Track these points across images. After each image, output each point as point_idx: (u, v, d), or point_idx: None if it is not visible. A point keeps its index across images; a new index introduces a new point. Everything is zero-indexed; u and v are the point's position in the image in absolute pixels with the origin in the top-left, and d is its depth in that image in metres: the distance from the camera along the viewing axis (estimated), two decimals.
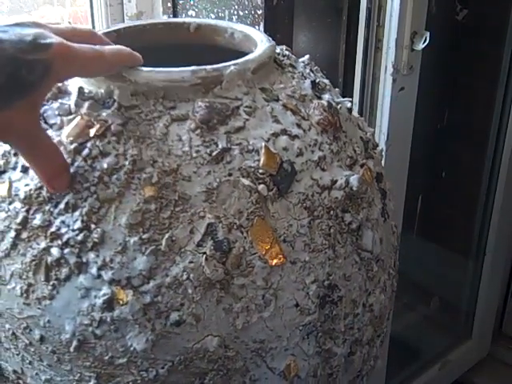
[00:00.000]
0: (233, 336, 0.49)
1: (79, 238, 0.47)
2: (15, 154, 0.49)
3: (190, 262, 0.47)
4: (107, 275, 0.46)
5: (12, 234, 0.49)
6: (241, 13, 0.86)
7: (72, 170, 0.47)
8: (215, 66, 0.50)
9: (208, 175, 0.48)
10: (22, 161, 0.49)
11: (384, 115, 0.96)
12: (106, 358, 0.49)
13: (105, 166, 0.47)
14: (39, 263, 0.48)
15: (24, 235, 0.48)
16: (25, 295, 0.49)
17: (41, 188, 0.48)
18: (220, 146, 0.48)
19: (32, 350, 0.51)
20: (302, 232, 0.50)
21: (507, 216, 1.31)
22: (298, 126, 0.52)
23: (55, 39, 0.42)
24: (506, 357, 1.45)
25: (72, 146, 0.48)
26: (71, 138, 0.48)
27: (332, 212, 0.51)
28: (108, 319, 0.47)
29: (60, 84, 0.51)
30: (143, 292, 0.47)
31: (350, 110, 0.57)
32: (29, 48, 0.41)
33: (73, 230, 0.47)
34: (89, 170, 0.47)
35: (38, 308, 0.49)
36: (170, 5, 0.94)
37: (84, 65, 0.45)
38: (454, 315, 1.44)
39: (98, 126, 0.48)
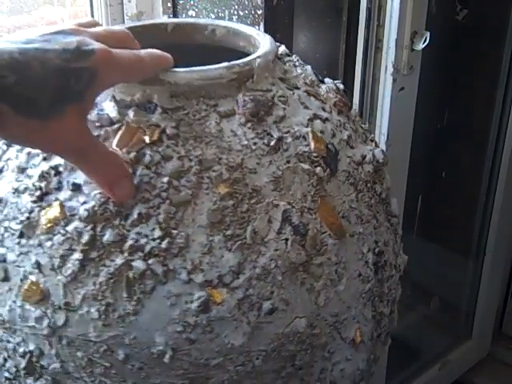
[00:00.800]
0: (315, 314, 0.51)
1: (163, 245, 0.46)
2: (56, 174, 0.48)
3: (275, 250, 0.48)
4: (198, 278, 0.46)
5: (77, 255, 0.46)
6: (241, 13, 0.86)
7: (136, 180, 0.46)
8: (244, 60, 0.51)
9: (270, 165, 0.49)
10: (67, 178, 0.47)
11: (384, 115, 0.96)
12: (202, 361, 0.48)
13: (170, 170, 0.47)
14: (118, 280, 0.46)
15: (93, 254, 0.46)
16: (103, 316, 0.46)
17: (105, 203, 0.46)
18: (275, 136, 0.50)
19: (113, 372, 0.48)
20: (353, 206, 0.53)
21: (507, 216, 1.31)
22: (323, 109, 0.55)
23: (97, 45, 0.42)
24: (506, 357, 1.45)
25: (131, 155, 0.47)
26: (126, 148, 0.47)
27: (368, 184, 0.56)
28: (204, 321, 0.47)
29: None
30: (235, 288, 0.47)
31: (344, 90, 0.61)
32: (73, 56, 0.41)
33: (153, 240, 0.46)
34: (154, 177, 0.46)
35: (122, 327, 0.47)
36: (169, 5, 0.94)
37: (126, 70, 0.45)
38: (454, 315, 1.44)
39: (151, 131, 0.47)
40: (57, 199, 0.47)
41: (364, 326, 0.55)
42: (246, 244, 0.47)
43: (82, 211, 0.46)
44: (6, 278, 0.48)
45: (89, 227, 0.46)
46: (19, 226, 0.47)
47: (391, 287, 0.59)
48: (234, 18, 0.87)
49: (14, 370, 0.51)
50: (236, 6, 0.86)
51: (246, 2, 0.84)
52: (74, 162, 0.45)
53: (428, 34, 0.91)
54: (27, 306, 0.48)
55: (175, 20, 0.61)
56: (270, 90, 0.52)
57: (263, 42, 0.55)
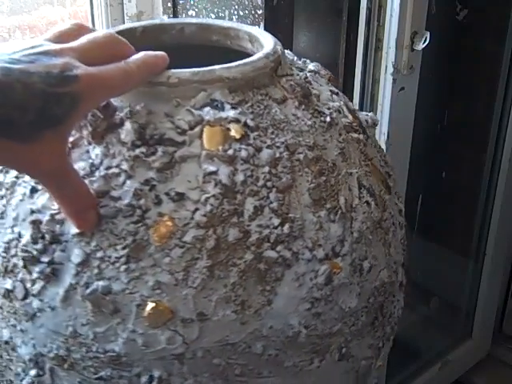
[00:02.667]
0: (389, 264, 0.56)
1: (285, 231, 0.47)
2: (150, 189, 0.46)
3: (363, 213, 0.52)
4: (319, 254, 0.48)
5: (203, 263, 0.45)
6: (241, 13, 0.86)
7: (242, 177, 0.47)
8: (270, 49, 0.53)
9: (332, 139, 0.53)
10: (164, 190, 0.46)
11: (384, 115, 0.96)
12: (326, 331, 0.50)
13: (266, 159, 0.48)
14: (250, 275, 0.46)
15: (221, 257, 0.46)
16: (240, 316, 0.46)
17: (221, 204, 0.46)
18: (327, 113, 0.53)
19: (250, 368, 0.49)
20: (382, 164, 0.59)
21: (507, 216, 1.30)
22: (328, 84, 0.59)
23: (81, 69, 0.42)
24: (506, 357, 1.44)
25: (228, 153, 0.47)
26: (221, 146, 0.47)
27: (377, 145, 0.61)
28: (327, 293, 0.49)
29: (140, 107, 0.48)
30: (344, 255, 0.50)
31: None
32: (57, 81, 0.41)
33: (275, 228, 0.47)
34: (255, 169, 0.47)
35: (259, 320, 0.47)
36: (170, 5, 0.94)
37: (112, 88, 0.44)
38: (454, 315, 1.44)
39: (235, 127, 0.48)
40: (161, 213, 0.46)
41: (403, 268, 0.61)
42: (343, 213, 0.50)
43: (199, 217, 0.45)
44: (116, 310, 0.46)
45: (210, 231, 0.45)
46: (124, 252, 0.45)
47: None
48: (234, 17, 0.87)
49: None
50: (236, 6, 0.86)
51: (246, 2, 0.84)
52: (48, 185, 0.45)
53: (428, 34, 0.91)
54: (151, 331, 0.46)
55: (142, 23, 0.60)
56: (297, 73, 0.55)
57: (265, 35, 0.57)
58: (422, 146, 1.15)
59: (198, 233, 0.45)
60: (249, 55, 0.55)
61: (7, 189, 0.49)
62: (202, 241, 0.45)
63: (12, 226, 0.48)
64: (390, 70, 0.92)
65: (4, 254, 0.48)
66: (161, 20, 0.62)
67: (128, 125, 0.47)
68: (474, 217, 1.32)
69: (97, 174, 0.47)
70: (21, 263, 0.47)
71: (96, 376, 0.48)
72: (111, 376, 0.48)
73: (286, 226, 0.47)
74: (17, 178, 0.49)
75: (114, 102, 0.48)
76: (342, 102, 0.57)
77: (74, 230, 0.46)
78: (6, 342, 0.51)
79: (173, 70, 0.49)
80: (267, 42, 0.55)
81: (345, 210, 0.50)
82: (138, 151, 0.47)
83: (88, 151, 0.48)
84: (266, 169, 0.47)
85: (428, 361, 1.37)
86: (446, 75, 1.20)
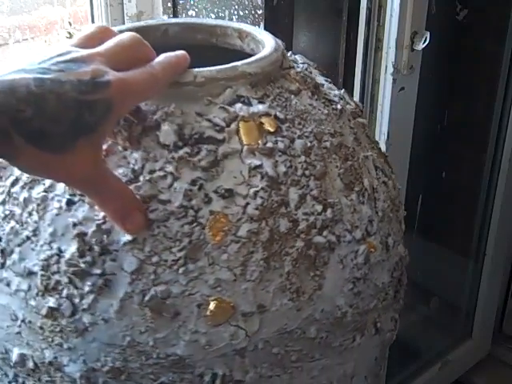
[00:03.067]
0: (402, 238, 0.59)
1: (329, 216, 0.49)
2: (199, 188, 0.46)
3: (383, 193, 0.55)
4: (358, 235, 0.50)
5: (259, 255, 0.46)
6: (241, 13, 0.86)
7: (283, 168, 0.48)
8: (274, 43, 0.54)
9: (345, 126, 0.55)
10: (212, 188, 0.46)
11: (384, 115, 0.96)
12: (365, 308, 0.52)
13: (300, 149, 0.49)
14: (302, 262, 0.47)
15: (275, 248, 0.46)
16: (296, 303, 0.47)
17: (270, 196, 0.47)
18: (336, 100, 0.55)
19: (304, 353, 0.50)
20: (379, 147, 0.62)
21: (507, 216, 1.30)
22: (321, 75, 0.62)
23: (111, 75, 0.41)
24: (506, 357, 1.44)
25: (267, 146, 0.48)
26: (260, 140, 0.48)
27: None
28: (365, 271, 0.51)
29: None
30: (375, 233, 0.53)
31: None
32: (89, 89, 0.40)
33: (319, 214, 0.49)
34: (292, 160, 0.49)
35: (312, 305, 0.49)
36: (170, 5, 0.94)
37: (142, 93, 0.44)
38: (454, 315, 1.44)
39: (268, 120, 0.49)
40: (213, 211, 0.46)
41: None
42: (369, 195, 0.52)
43: (252, 211, 0.46)
44: (176, 313, 0.46)
45: (263, 224, 0.46)
46: (181, 254, 0.45)
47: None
48: (234, 17, 0.87)
49: None
50: (236, 6, 0.86)
51: (246, 2, 0.84)
52: (87, 193, 0.44)
53: (428, 34, 0.91)
54: (214, 329, 0.46)
55: (129, 25, 0.60)
56: (297, 66, 0.56)
57: (232, 31, 0.58)
58: (422, 145, 1.15)
59: (251, 226, 0.46)
60: (238, 52, 0.56)
61: (38, 204, 0.47)
62: (257, 234, 0.46)
63: (49, 242, 0.47)
64: (390, 69, 0.92)
65: (43, 272, 0.47)
66: (145, 22, 0.62)
67: (166, 127, 0.47)
68: (474, 217, 1.32)
69: (141, 178, 0.46)
70: (65, 279, 0.46)
71: (156, 383, 0.48)
72: (172, 380, 0.48)
73: (329, 211, 0.49)
74: (46, 191, 0.48)
75: (143, 105, 0.48)
76: (342, 90, 0.59)
77: (125, 238, 0.45)
78: (50, 363, 0.49)
79: (196, 70, 0.49)
80: (265, 38, 0.56)
81: (370, 192, 0.53)
82: (181, 152, 0.46)
83: (125, 157, 0.47)
84: (302, 158, 0.49)
85: (428, 361, 1.36)
86: (446, 75, 1.20)
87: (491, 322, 1.43)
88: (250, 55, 0.54)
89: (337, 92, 0.57)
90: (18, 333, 0.49)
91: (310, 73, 0.57)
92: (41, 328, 0.48)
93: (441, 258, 1.34)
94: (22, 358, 0.49)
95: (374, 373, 0.60)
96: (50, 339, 0.48)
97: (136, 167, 0.46)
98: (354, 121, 0.56)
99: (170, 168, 0.46)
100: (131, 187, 0.46)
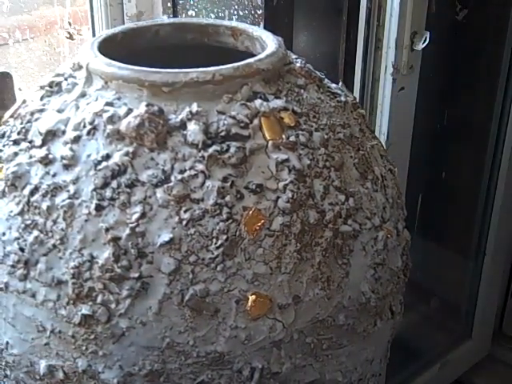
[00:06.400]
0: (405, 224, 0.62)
1: (351, 204, 0.50)
2: (231, 186, 0.47)
3: (391, 180, 0.57)
4: (376, 221, 0.52)
5: (293, 247, 0.47)
6: (241, 13, 0.86)
7: (307, 161, 0.49)
8: (277, 40, 0.56)
9: (350, 118, 0.57)
10: (243, 184, 0.47)
11: (384, 115, 0.96)
12: (384, 293, 0.54)
13: (318, 141, 0.50)
14: (330, 251, 0.49)
15: (306, 239, 0.47)
16: (327, 291, 0.49)
17: (298, 188, 0.48)
18: (340, 93, 0.57)
19: (334, 340, 0.52)
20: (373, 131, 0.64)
21: (507, 216, 1.30)
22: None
23: None
24: (506, 357, 1.44)
25: (290, 140, 0.49)
26: (284, 134, 0.49)
27: None
28: (384, 256, 0.53)
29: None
30: (389, 219, 0.54)
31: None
32: None
33: (342, 203, 0.50)
34: (313, 152, 0.50)
35: (340, 292, 0.50)
36: (169, 5, 0.94)
37: None
38: (454, 315, 1.44)
39: (287, 115, 0.50)
40: (246, 207, 0.46)
41: None
42: (381, 182, 0.54)
43: (283, 204, 0.47)
44: (216, 310, 0.46)
45: (295, 216, 0.47)
46: (219, 251, 0.45)
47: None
48: (234, 17, 0.87)
49: None
50: (236, 6, 0.86)
51: (246, 2, 0.84)
52: None
53: (428, 34, 0.91)
54: (253, 323, 0.46)
55: (121, 28, 0.60)
56: (297, 60, 0.57)
57: (224, 29, 0.59)
58: (422, 145, 1.15)
59: (284, 220, 0.47)
60: (231, 50, 0.57)
61: (65, 212, 0.46)
62: (289, 226, 0.47)
63: (80, 249, 0.46)
64: (390, 69, 0.92)
65: (74, 280, 0.46)
66: (135, 23, 0.62)
67: (193, 126, 0.47)
68: (474, 217, 1.32)
69: (172, 178, 0.46)
70: (99, 285, 0.45)
71: (196, 382, 0.48)
72: (212, 378, 0.48)
73: (351, 200, 0.50)
74: (71, 198, 0.46)
75: (163, 105, 0.47)
76: (340, 83, 0.60)
77: (160, 239, 0.45)
78: (84, 372, 0.48)
79: (214, 68, 0.49)
80: (262, 34, 0.56)
81: (380, 179, 0.54)
82: (211, 150, 0.46)
83: (153, 158, 0.46)
84: (322, 150, 0.50)
85: (428, 361, 1.36)
86: (446, 75, 1.20)
87: (491, 322, 1.43)
88: (244, 53, 0.54)
89: (335, 85, 0.59)
90: (46, 344, 0.48)
91: (309, 67, 0.58)
92: (73, 337, 0.47)
93: (441, 258, 1.34)
94: (51, 370, 0.48)
95: (385, 356, 0.62)
96: (83, 347, 0.47)
97: (166, 168, 0.46)
98: (355, 112, 0.57)
99: (200, 166, 0.46)
100: (163, 188, 0.45)
